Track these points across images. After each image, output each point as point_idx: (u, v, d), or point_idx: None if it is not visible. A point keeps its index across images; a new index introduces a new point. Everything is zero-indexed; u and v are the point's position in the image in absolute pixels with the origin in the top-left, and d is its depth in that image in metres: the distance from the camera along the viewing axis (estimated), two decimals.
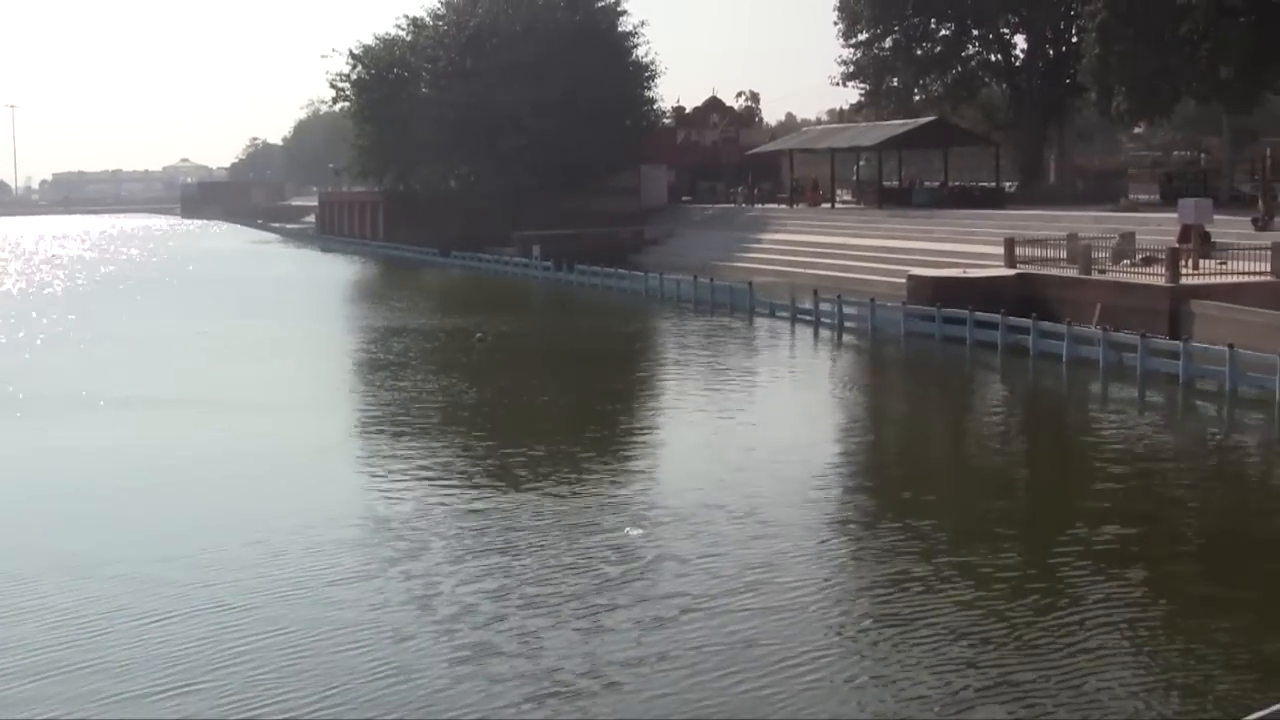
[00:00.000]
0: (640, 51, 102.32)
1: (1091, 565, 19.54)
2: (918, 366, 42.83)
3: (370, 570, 19.60)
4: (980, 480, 26.57)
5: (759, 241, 78.10)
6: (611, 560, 19.87)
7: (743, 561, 19.70)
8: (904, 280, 49.50)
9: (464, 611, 17.64)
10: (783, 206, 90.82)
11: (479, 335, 48.10)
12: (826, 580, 19.06)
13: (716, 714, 14.60)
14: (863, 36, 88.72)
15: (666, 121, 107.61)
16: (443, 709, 14.73)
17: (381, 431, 31.72)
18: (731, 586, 18.54)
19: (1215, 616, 17.36)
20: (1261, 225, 51.37)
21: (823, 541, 20.99)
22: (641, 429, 33.06)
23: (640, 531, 21.16)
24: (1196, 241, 46.11)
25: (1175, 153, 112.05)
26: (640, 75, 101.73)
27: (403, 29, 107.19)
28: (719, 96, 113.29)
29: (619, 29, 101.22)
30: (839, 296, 49.56)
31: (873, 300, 47.65)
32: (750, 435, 30.50)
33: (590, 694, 15.05)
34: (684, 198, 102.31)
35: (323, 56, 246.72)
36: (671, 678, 15.47)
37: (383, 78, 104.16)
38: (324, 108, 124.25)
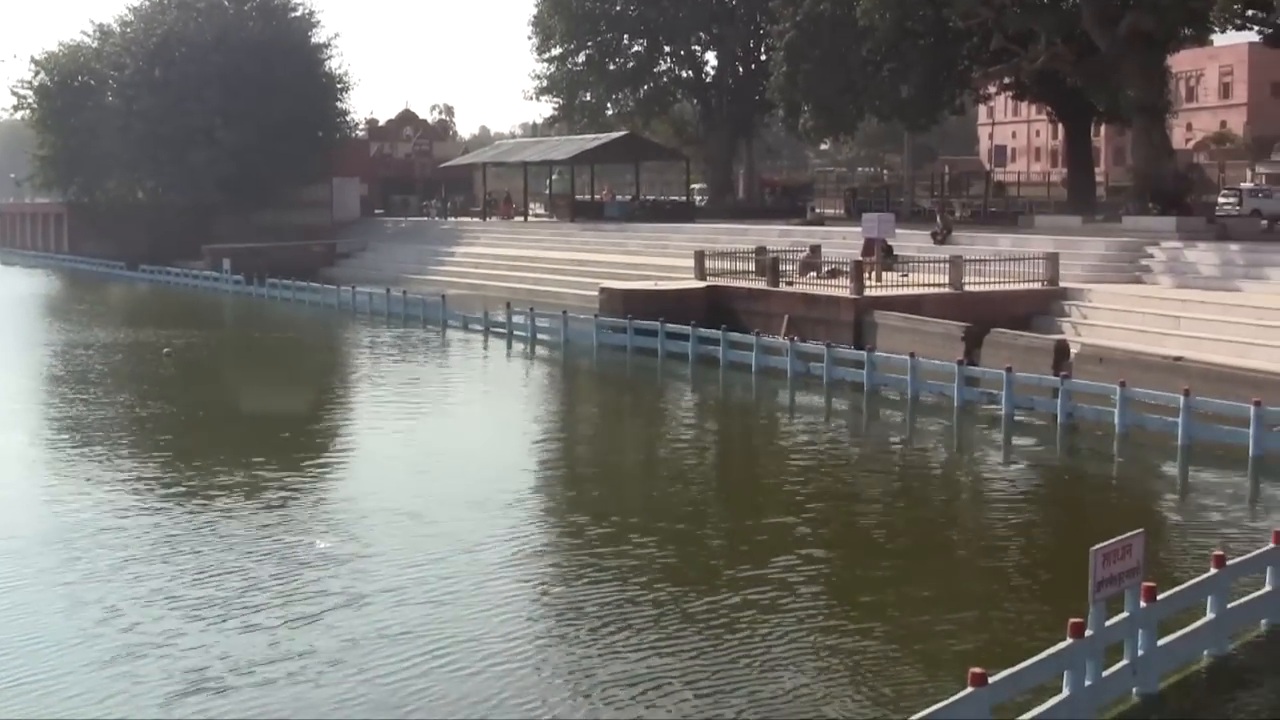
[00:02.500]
0: (333, 64, 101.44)
1: (763, 560, 19.76)
2: (609, 377, 43.03)
3: (23, 578, 19.05)
4: (658, 483, 26.79)
5: (452, 254, 77.90)
6: (269, 563, 19.62)
7: (399, 562, 19.66)
8: (596, 293, 49.75)
9: (113, 616, 17.20)
10: (476, 220, 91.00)
11: (166, 349, 46.72)
12: (483, 576, 19.06)
13: (359, 701, 14.59)
14: (556, 51, 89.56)
15: (359, 134, 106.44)
16: (85, 711, 14.36)
17: (58, 445, 30.51)
18: (385, 585, 18.47)
19: (883, 608, 17.76)
20: (940, 239, 53.13)
21: (480, 542, 20.83)
22: (326, 440, 32.48)
23: (325, 544, 20.65)
24: (879, 255, 47.36)
25: (860, 169, 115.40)
26: (333, 87, 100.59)
27: (89, 35, 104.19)
28: (412, 109, 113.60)
29: (312, 41, 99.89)
30: (531, 309, 49.60)
31: (565, 313, 47.78)
32: (433, 444, 30.46)
33: (232, 689, 14.86)
34: (377, 211, 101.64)
35: (1, 62, 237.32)
36: (314, 671, 15.36)
37: (67, 85, 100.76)
38: (4, 115, 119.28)
